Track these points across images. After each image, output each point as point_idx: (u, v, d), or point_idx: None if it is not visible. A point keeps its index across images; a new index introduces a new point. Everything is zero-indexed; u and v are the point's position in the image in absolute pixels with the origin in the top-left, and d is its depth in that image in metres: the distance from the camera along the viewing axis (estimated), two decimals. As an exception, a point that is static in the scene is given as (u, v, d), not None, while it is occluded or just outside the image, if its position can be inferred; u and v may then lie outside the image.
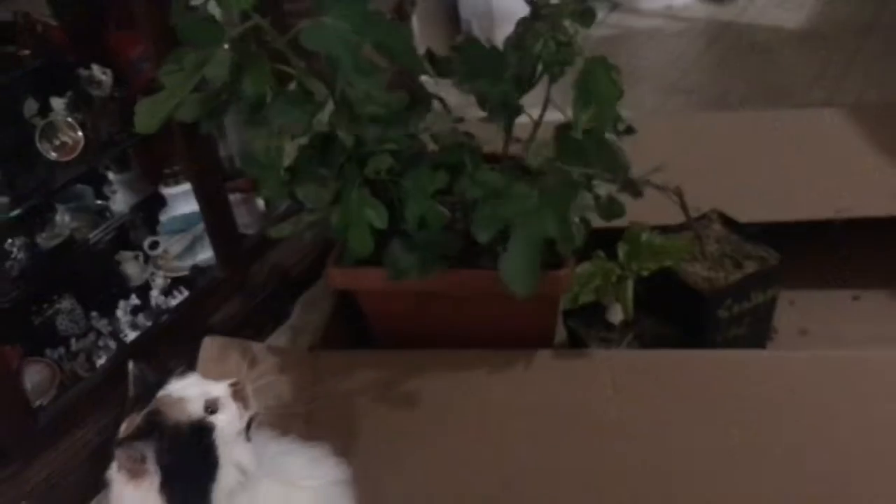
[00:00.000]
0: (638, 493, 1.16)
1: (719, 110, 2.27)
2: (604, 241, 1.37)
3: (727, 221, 1.49)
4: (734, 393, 1.26)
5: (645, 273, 1.31)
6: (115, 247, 1.78)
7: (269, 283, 1.73)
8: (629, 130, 1.20)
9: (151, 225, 1.83)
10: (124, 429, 0.90)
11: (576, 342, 1.46)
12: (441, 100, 1.39)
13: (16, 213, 1.37)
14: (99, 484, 0.93)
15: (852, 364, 1.27)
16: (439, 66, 1.31)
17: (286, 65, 1.27)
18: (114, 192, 1.88)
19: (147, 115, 1.18)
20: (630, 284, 1.30)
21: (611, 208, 1.26)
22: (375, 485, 1.05)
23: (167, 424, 0.87)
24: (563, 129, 1.23)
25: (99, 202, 1.89)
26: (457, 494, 1.20)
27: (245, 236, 1.74)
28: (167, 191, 1.81)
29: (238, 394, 0.91)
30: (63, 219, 1.82)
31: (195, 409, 0.89)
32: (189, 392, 0.90)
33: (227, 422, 0.89)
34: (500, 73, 1.25)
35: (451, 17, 2.80)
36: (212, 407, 0.89)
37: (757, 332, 1.44)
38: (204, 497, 0.87)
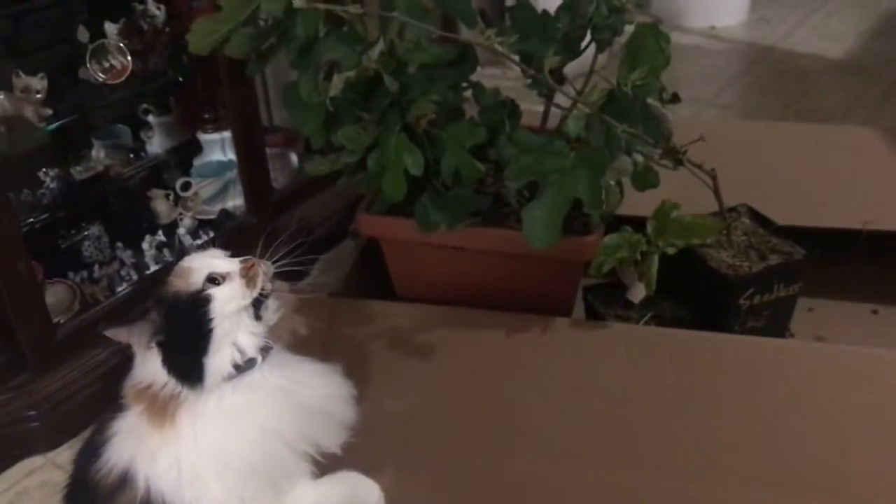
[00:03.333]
0: (643, 463, 1.16)
1: (754, 123, 2.28)
2: (632, 224, 1.38)
3: (756, 216, 1.49)
4: (749, 377, 1.26)
5: (671, 250, 1.32)
6: (147, 184, 1.81)
7: (294, 236, 1.74)
8: (675, 98, 1.21)
9: (185, 168, 1.85)
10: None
11: (594, 318, 1.46)
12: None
13: (55, 125, 1.39)
14: (107, 405, 0.95)
15: (869, 360, 1.27)
16: (489, 26, 1.32)
17: (340, 6, 1.29)
18: (150, 137, 1.90)
19: (201, 36, 1.20)
20: (655, 259, 1.30)
21: (646, 177, 1.26)
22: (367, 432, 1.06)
23: (168, 294, 0.89)
24: (607, 93, 1.24)
25: (136, 143, 1.91)
26: (459, 450, 1.21)
27: (275, 189, 1.76)
28: (204, 137, 1.83)
29: (247, 271, 0.91)
30: (98, 154, 1.84)
31: (196, 280, 0.89)
32: (196, 263, 0.91)
33: (228, 296, 0.89)
34: (549, 36, 1.27)
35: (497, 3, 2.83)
36: (214, 279, 0.90)
37: (774, 328, 1.44)
38: (199, 369, 0.88)
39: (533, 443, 1.20)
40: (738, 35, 2.98)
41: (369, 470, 1.08)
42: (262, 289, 0.92)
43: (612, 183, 1.19)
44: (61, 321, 1.45)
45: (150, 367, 0.89)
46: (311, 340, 1.33)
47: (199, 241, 1.65)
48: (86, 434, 0.97)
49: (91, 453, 0.92)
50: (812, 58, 2.75)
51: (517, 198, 1.35)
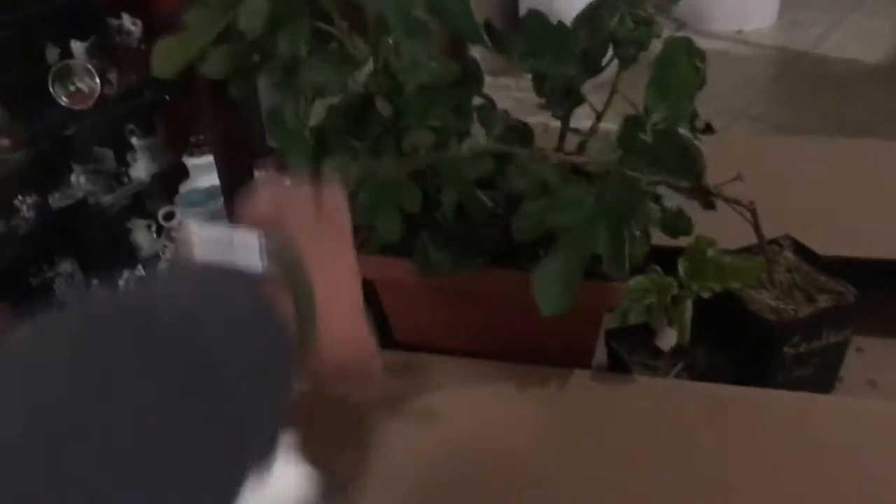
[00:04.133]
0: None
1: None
2: (661, 258, 1.23)
3: (800, 249, 1.33)
4: (794, 439, 1.10)
5: (706, 294, 1.15)
6: (128, 213, 1.67)
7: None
8: (708, 129, 1.06)
9: (171, 195, 1.71)
10: None
11: (617, 366, 1.30)
12: (488, 98, 1.27)
13: (15, 155, 1.26)
14: None
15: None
16: (497, 40, 1.17)
17: (327, 23, 1.15)
18: (135, 160, 1.77)
19: (166, 57, 1.06)
20: (689, 305, 1.14)
21: (677, 223, 1.11)
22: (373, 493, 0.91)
23: None
24: (630, 123, 1.09)
25: (119, 168, 1.78)
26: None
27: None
28: (191, 161, 1.70)
29: None
30: (78, 180, 1.71)
31: None
32: None
33: None
34: (565, 52, 1.11)
35: (509, 11, 2.68)
36: None
37: (823, 377, 1.28)
38: None
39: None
40: (767, 40, 2.81)
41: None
42: None
43: (637, 233, 1.03)
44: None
45: None
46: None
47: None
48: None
49: None
50: (848, 63, 2.58)
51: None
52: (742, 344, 1.26)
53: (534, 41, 1.14)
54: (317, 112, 1.06)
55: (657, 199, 1.10)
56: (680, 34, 1.04)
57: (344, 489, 1.04)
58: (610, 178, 1.10)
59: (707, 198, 1.06)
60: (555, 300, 1.01)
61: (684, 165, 1.02)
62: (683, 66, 1.00)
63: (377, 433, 1.17)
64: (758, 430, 1.13)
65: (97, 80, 1.29)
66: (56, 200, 1.64)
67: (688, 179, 1.02)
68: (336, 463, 1.09)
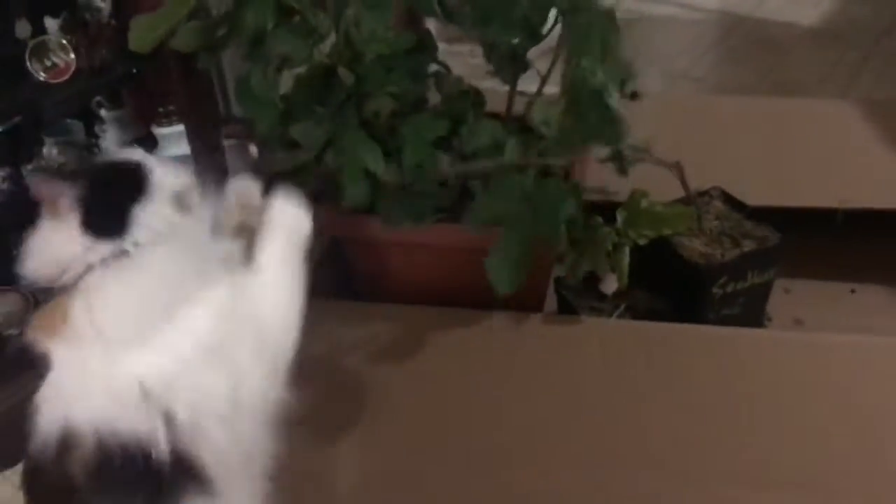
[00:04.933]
0: (617, 458, 1.13)
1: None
2: (602, 211, 1.34)
3: (728, 199, 1.45)
4: (723, 369, 1.23)
5: (642, 241, 1.27)
6: (101, 183, 1.74)
7: (256, 231, 1.69)
8: (635, 96, 1.17)
9: (141, 164, 1.78)
10: None
11: (566, 310, 1.42)
12: (443, 64, 1.36)
13: (-1, 129, 1.33)
14: None
15: (845, 348, 1.25)
16: (449, 12, 1.27)
17: (291, -1, 1.23)
18: (104, 131, 1.84)
19: (142, 32, 1.14)
20: (627, 251, 1.26)
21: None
22: (338, 433, 1.01)
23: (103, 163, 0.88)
24: (569, 89, 1.19)
25: (89, 139, 1.85)
26: (427, 450, 1.17)
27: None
28: (160, 131, 1.77)
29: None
30: (51, 152, 1.77)
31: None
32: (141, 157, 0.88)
33: (165, 175, 0.86)
34: (511, 19, 1.21)
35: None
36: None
37: (751, 315, 1.41)
38: (124, 213, 0.83)
39: (504, 441, 1.16)
40: (712, 4, 2.92)
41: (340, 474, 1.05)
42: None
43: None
44: (11, 334, 1.39)
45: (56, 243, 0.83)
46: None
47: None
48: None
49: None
50: (786, 26, 2.70)
51: (484, 191, 1.30)
52: (676, 286, 1.38)
53: (482, 11, 1.23)
54: (285, 82, 1.14)
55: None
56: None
57: (313, 425, 1.12)
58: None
59: (622, 163, 1.18)
60: (508, 280, 1.14)
61: (612, 133, 1.13)
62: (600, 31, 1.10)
63: (345, 376, 1.27)
64: (692, 362, 1.25)
65: (72, 55, 1.35)
66: (30, 172, 1.70)
67: (614, 144, 1.14)
68: (306, 402, 1.17)
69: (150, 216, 0.84)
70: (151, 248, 0.84)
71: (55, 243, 0.83)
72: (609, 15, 1.09)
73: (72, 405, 0.81)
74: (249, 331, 0.88)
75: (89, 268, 0.82)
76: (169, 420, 0.81)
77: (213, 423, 0.84)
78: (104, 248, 0.82)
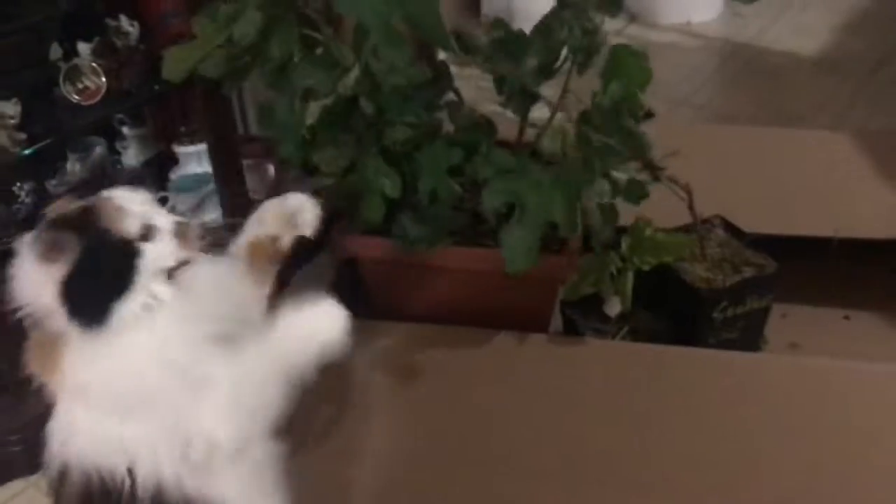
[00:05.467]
0: (617, 479, 1.18)
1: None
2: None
3: (729, 227, 1.52)
4: (722, 392, 1.29)
5: (645, 267, 1.34)
6: (124, 199, 1.80)
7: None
8: (648, 115, 1.23)
9: (161, 181, 1.85)
10: (54, 207, 0.88)
11: (571, 332, 1.48)
12: (456, 90, 1.42)
13: (31, 150, 1.39)
14: None
15: (840, 373, 1.30)
16: (464, 47, 1.33)
17: (313, 30, 1.30)
18: (126, 147, 1.90)
19: (175, 63, 1.20)
20: (630, 276, 1.32)
21: (635, 189, 1.27)
22: (349, 447, 1.05)
23: (97, 227, 0.82)
24: (583, 116, 1.26)
25: (111, 156, 1.91)
26: (433, 466, 1.22)
27: (253, 200, 1.76)
28: (180, 149, 1.83)
29: (181, 233, 0.88)
30: (73, 167, 1.83)
31: (130, 227, 0.84)
32: (132, 206, 0.86)
33: (157, 255, 0.84)
34: (523, 57, 1.27)
35: (473, 14, 2.84)
36: (147, 233, 0.85)
37: (749, 339, 1.47)
38: (103, 312, 0.82)
39: (508, 459, 1.21)
40: (713, 31, 2.99)
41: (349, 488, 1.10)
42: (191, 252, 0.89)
43: (599, 203, 1.20)
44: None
45: (32, 289, 0.83)
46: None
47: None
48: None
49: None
50: (786, 55, 2.78)
51: (495, 215, 1.36)
52: (678, 310, 1.45)
53: (496, 48, 1.30)
54: (312, 112, 1.20)
55: (606, 175, 1.26)
56: (629, 26, 1.22)
57: (325, 438, 1.18)
58: (565, 160, 1.27)
59: (654, 171, 1.24)
60: (521, 259, 1.18)
61: (633, 141, 1.19)
62: (630, 64, 1.17)
63: (359, 391, 1.32)
64: (691, 383, 1.31)
65: (103, 78, 1.42)
66: (54, 187, 1.77)
67: (637, 153, 1.20)
68: (317, 416, 1.23)
69: (134, 303, 0.83)
70: (138, 323, 0.84)
71: (45, 287, 0.82)
72: (629, 49, 1.15)
73: (66, 442, 0.86)
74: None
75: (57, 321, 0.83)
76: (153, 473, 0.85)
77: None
78: None
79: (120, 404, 0.85)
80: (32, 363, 0.88)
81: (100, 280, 0.83)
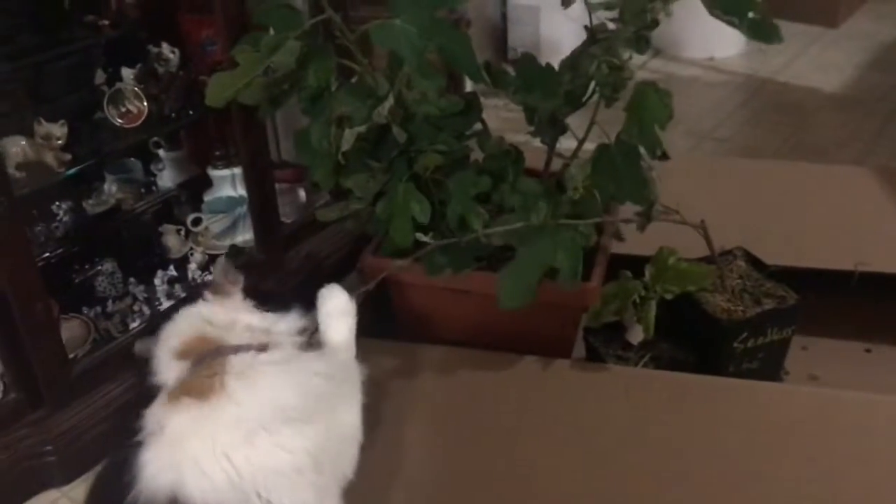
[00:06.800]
0: (635, 502, 1.20)
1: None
2: (632, 265, 1.43)
3: (750, 259, 1.54)
4: (743, 420, 1.30)
5: (668, 296, 1.36)
6: (158, 219, 1.85)
7: (302, 270, 1.79)
8: (664, 156, 1.26)
9: (195, 202, 1.89)
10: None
11: (593, 358, 1.50)
12: (482, 121, 1.46)
13: (74, 170, 1.44)
14: (122, 440, 0.96)
15: (860, 405, 1.32)
16: (495, 79, 1.38)
17: (350, 60, 1.35)
18: (161, 170, 1.95)
19: (218, 89, 1.26)
20: (653, 305, 1.35)
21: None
22: (372, 466, 1.09)
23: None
24: (602, 149, 1.29)
25: (147, 177, 1.96)
26: (456, 487, 1.24)
27: (284, 224, 1.80)
28: (214, 173, 1.87)
29: None
30: (111, 188, 1.88)
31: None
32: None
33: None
34: (552, 89, 1.32)
35: (499, 45, 2.89)
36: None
37: (769, 370, 1.48)
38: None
39: (530, 482, 1.24)
40: (736, 67, 3.03)
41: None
42: None
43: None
44: (77, 356, 1.49)
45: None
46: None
47: (209, 276, 1.69)
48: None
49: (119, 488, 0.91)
50: (808, 91, 2.80)
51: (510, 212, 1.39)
52: (699, 340, 1.47)
53: (526, 80, 1.35)
54: (347, 139, 1.25)
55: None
56: (649, 79, 1.26)
57: None
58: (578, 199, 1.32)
59: (647, 218, 1.28)
60: (513, 297, 1.24)
61: (639, 193, 1.23)
62: (653, 102, 1.20)
63: (383, 412, 1.35)
64: (712, 411, 1.33)
65: (145, 103, 1.47)
66: (91, 207, 1.82)
67: (642, 204, 1.24)
68: None
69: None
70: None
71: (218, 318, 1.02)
72: (655, 87, 1.19)
73: (185, 475, 0.90)
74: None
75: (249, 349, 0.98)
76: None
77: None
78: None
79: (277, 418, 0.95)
80: (182, 390, 0.95)
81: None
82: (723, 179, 1.94)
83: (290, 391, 0.96)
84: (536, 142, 1.48)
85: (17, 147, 1.37)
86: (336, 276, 1.88)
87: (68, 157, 1.43)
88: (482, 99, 1.45)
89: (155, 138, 1.91)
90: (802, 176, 1.98)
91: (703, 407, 1.33)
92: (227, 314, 1.03)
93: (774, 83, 2.89)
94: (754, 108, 2.73)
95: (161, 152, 1.93)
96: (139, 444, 0.93)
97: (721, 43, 3.11)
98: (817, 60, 3.04)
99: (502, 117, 2.21)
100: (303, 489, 0.94)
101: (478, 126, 1.45)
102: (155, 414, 0.94)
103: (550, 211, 1.27)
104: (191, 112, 1.68)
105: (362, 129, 1.25)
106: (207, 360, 0.96)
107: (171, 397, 0.94)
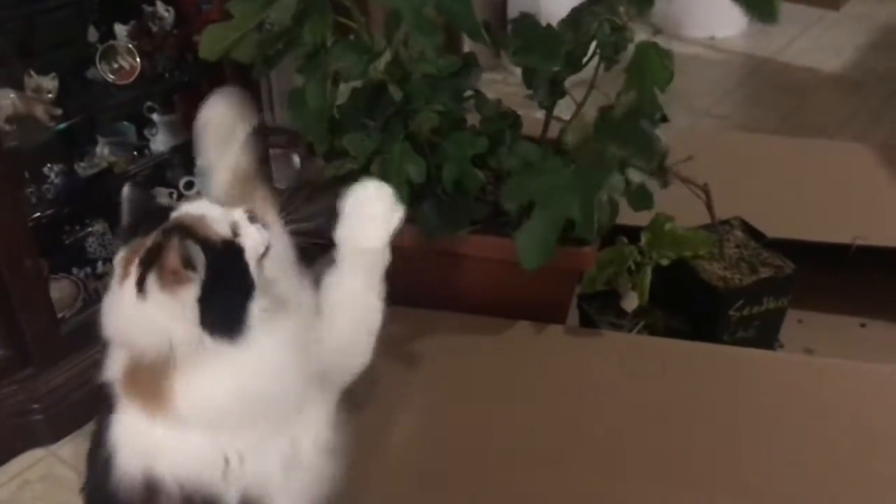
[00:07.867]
0: (630, 468, 1.19)
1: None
2: (628, 233, 1.42)
3: (748, 229, 1.53)
4: (736, 388, 1.29)
5: (664, 262, 1.35)
6: (151, 182, 1.83)
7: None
8: (663, 119, 1.25)
9: (188, 167, 1.87)
10: (124, 255, 0.85)
11: (587, 326, 1.49)
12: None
13: (64, 125, 1.42)
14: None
15: (854, 373, 1.31)
16: (494, 39, 1.35)
17: (347, 18, 1.32)
18: (154, 135, 1.93)
19: (212, 42, 1.23)
20: (648, 271, 1.34)
21: (640, 197, 1.29)
22: (364, 430, 1.07)
23: (203, 238, 0.80)
24: (604, 111, 1.28)
25: (140, 141, 1.94)
26: (449, 451, 1.23)
27: (278, 190, 1.79)
28: (207, 137, 1.85)
29: (256, 218, 0.87)
30: (103, 151, 1.86)
31: (222, 229, 0.84)
32: (210, 212, 0.85)
33: (252, 245, 0.84)
34: (553, 50, 1.29)
35: (499, 14, 2.87)
36: (236, 229, 0.85)
37: (764, 339, 1.48)
38: (241, 316, 0.82)
39: (524, 447, 1.23)
40: (736, 46, 3.01)
41: (366, 469, 1.12)
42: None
43: (605, 199, 1.22)
44: (65, 316, 1.48)
45: (156, 320, 0.81)
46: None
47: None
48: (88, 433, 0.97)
49: (101, 469, 0.89)
50: (808, 71, 2.79)
51: (516, 207, 1.38)
52: (694, 307, 1.46)
53: (525, 41, 1.32)
54: (342, 94, 1.23)
55: (622, 172, 1.27)
56: (653, 39, 1.24)
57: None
58: (584, 151, 1.29)
59: (664, 177, 1.25)
60: (534, 256, 1.20)
61: (646, 147, 1.21)
62: (654, 62, 1.18)
63: (376, 377, 1.33)
64: (705, 378, 1.32)
65: (138, 59, 1.45)
66: (83, 169, 1.80)
67: (649, 160, 1.22)
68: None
69: (260, 303, 0.84)
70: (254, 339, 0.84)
71: (163, 320, 0.81)
72: (657, 46, 1.17)
73: (156, 458, 0.86)
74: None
75: (191, 347, 0.82)
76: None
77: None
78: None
79: (244, 414, 0.87)
80: (129, 387, 0.88)
81: (226, 288, 0.83)
82: (721, 152, 1.91)
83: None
84: (534, 113, 1.47)
85: (7, 100, 1.35)
86: (328, 247, 1.88)
87: (59, 111, 1.41)
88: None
89: (149, 103, 1.89)
90: (801, 151, 1.97)
91: (697, 374, 1.32)
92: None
93: (775, 63, 2.88)
94: (754, 87, 2.72)
95: (155, 116, 1.91)
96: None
97: (722, 22, 3.09)
98: (818, 41, 3.03)
99: (501, 91, 2.18)
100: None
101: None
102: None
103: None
104: (185, 77, 1.66)
105: (358, 83, 1.23)
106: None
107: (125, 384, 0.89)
